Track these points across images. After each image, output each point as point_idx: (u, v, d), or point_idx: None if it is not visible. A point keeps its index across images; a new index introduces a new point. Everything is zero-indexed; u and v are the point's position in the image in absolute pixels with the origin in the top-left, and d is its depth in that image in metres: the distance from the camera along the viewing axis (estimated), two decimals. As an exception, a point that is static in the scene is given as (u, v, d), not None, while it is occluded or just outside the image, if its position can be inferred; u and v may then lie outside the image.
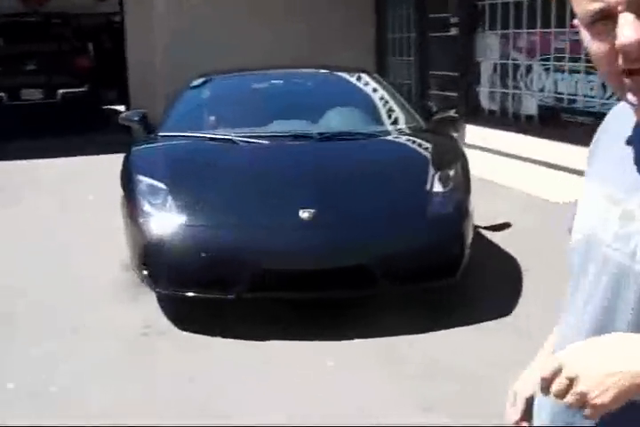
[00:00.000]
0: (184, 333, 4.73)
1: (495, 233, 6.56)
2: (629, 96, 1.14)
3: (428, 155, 5.35)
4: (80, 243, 6.46)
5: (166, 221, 4.76)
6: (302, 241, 4.54)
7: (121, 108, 13.84)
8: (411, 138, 5.73)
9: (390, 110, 6.22)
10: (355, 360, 4.33)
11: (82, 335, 4.76)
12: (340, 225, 4.65)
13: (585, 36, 1.18)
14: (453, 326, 4.67)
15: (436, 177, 5.02)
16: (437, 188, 4.95)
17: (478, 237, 6.43)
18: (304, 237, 4.55)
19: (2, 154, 11.04)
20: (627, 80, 1.13)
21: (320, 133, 5.54)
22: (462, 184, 5.12)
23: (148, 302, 5.04)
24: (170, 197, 4.85)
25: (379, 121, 6.09)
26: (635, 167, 1.22)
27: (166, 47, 11.41)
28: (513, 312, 4.88)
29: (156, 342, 4.69)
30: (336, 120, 6.02)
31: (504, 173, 8.84)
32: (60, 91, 13.61)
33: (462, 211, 4.93)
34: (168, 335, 4.74)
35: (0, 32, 14.11)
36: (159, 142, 5.64)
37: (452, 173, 5.13)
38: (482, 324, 4.73)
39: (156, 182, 5.00)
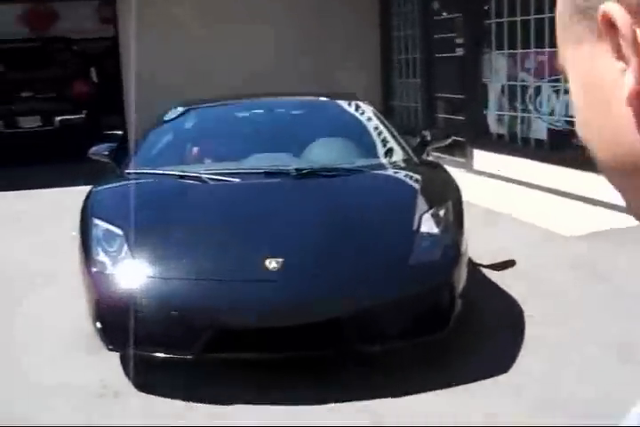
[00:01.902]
0: (142, 394, 4.24)
1: (497, 272, 6.02)
2: None
3: (416, 191, 4.85)
4: (49, 285, 5.99)
5: (120, 272, 4.28)
6: (267, 295, 4.03)
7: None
8: (400, 172, 5.24)
9: (382, 142, 5.71)
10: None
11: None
12: (312, 275, 4.15)
13: None
14: (441, 387, 4.14)
15: (425, 217, 4.51)
16: (425, 230, 4.44)
17: (478, 276, 5.92)
18: (269, 290, 4.04)
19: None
20: None
21: (297, 169, 5.03)
22: (454, 224, 4.61)
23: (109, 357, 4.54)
24: (126, 245, 4.37)
25: (367, 154, 5.58)
26: None
27: (154, 72, 11.03)
28: (511, 369, 4.34)
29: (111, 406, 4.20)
30: (321, 153, 5.53)
31: (512, 203, 8.31)
32: (58, 118, 13.23)
33: (453, 256, 4.41)
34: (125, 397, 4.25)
35: (0, 58, 13.77)
36: (123, 181, 5.16)
37: (442, 212, 4.62)
38: (473, 384, 4.19)
39: (112, 227, 4.53)
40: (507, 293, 5.53)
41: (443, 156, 10.34)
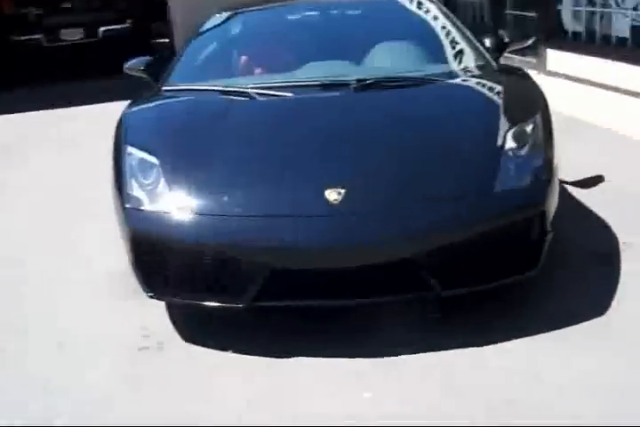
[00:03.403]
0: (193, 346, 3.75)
1: (584, 190, 5.35)
2: None
3: (498, 104, 4.12)
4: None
5: (157, 209, 3.71)
6: (327, 231, 3.44)
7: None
8: (477, 81, 4.51)
9: (453, 45, 4.96)
10: (400, 390, 3.27)
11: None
12: (380, 207, 3.54)
13: None
14: (526, 335, 3.56)
15: (510, 135, 3.83)
16: (512, 150, 3.77)
17: (563, 196, 5.26)
18: (329, 226, 3.45)
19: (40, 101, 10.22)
20: None
21: (359, 80, 4.36)
22: (544, 142, 3.92)
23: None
24: (162, 176, 3.80)
25: (438, 59, 4.85)
26: None
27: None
28: (607, 312, 3.73)
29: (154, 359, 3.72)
30: (384, 60, 4.83)
31: (593, 108, 7.52)
32: (101, 29, 12.58)
33: (545, 180, 3.75)
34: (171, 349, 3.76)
35: None
36: (160, 100, 4.54)
37: (529, 128, 3.93)
38: (565, 330, 3.60)
39: (147, 156, 3.94)
40: (596, 214, 4.87)
41: (512, 56, 9.52)
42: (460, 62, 4.78)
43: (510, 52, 9.55)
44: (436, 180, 3.64)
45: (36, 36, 12.53)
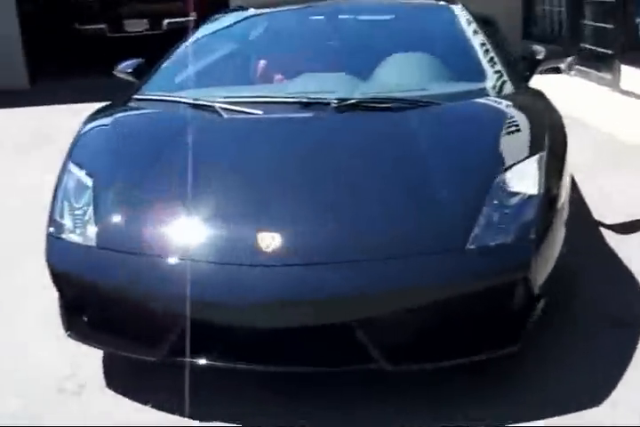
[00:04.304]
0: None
1: (622, 236, 4.61)
2: None
3: (498, 136, 3.47)
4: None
5: (76, 239, 3.22)
6: (251, 284, 2.87)
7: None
8: (482, 105, 3.82)
9: (470, 61, 4.30)
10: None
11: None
12: (318, 259, 2.91)
13: None
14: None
15: (503, 177, 3.18)
16: (499, 197, 3.11)
17: (594, 241, 4.53)
18: (254, 278, 2.88)
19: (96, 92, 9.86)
20: None
21: (339, 100, 3.75)
22: (545, 187, 3.22)
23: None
24: (92, 202, 3.29)
25: (448, 77, 4.21)
26: None
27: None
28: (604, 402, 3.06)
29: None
30: (391, 75, 4.23)
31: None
32: (166, 21, 12.21)
33: (532, 238, 3.03)
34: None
35: None
36: (120, 112, 4.00)
37: (530, 168, 3.27)
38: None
39: (84, 176, 3.45)
40: (629, 270, 4.13)
41: (586, 70, 8.75)
42: (473, 81, 4.11)
43: (585, 66, 8.82)
44: (395, 230, 3.01)
45: (100, 26, 12.26)
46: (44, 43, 12.34)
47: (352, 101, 3.73)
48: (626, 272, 4.11)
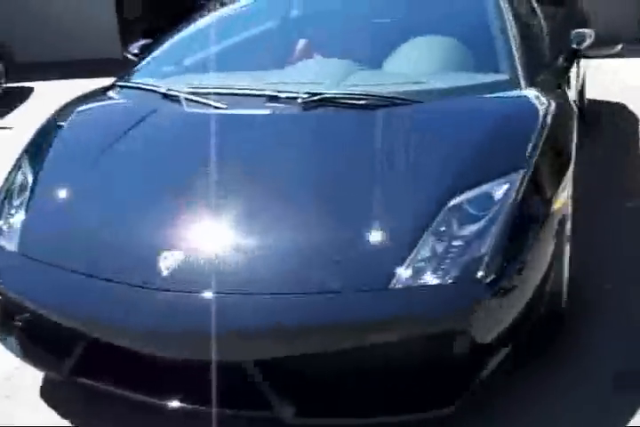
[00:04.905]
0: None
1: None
2: None
3: (470, 147, 2.96)
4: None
5: (3, 242, 3.07)
6: (146, 309, 2.63)
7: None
8: (469, 107, 3.29)
9: (485, 49, 3.74)
10: None
11: None
12: (219, 286, 2.60)
13: None
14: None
15: (459, 200, 2.73)
16: (449, 224, 2.67)
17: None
18: (149, 302, 2.64)
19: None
20: None
21: (309, 95, 3.31)
22: (512, 214, 2.72)
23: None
24: (27, 202, 3.14)
25: (454, 66, 3.77)
26: None
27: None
28: None
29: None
30: (394, 63, 3.85)
31: None
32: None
33: (493, 275, 2.58)
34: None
35: None
36: (91, 102, 3.76)
37: (498, 191, 2.77)
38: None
39: (28, 172, 3.30)
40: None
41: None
42: (481, 72, 3.65)
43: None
44: (317, 260, 2.65)
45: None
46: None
47: (319, 97, 3.34)
48: None
